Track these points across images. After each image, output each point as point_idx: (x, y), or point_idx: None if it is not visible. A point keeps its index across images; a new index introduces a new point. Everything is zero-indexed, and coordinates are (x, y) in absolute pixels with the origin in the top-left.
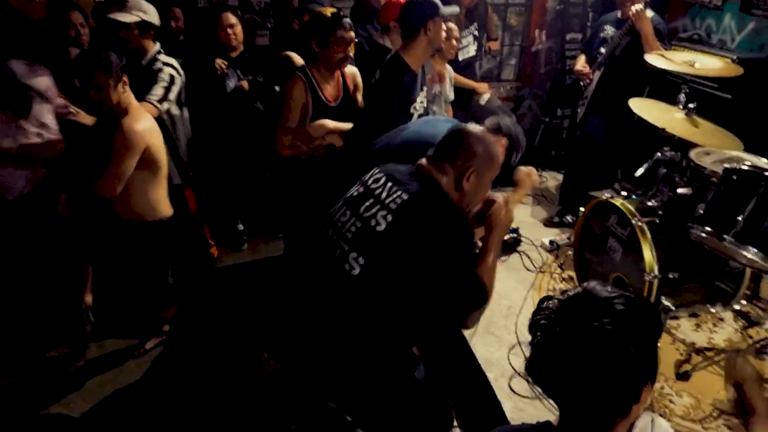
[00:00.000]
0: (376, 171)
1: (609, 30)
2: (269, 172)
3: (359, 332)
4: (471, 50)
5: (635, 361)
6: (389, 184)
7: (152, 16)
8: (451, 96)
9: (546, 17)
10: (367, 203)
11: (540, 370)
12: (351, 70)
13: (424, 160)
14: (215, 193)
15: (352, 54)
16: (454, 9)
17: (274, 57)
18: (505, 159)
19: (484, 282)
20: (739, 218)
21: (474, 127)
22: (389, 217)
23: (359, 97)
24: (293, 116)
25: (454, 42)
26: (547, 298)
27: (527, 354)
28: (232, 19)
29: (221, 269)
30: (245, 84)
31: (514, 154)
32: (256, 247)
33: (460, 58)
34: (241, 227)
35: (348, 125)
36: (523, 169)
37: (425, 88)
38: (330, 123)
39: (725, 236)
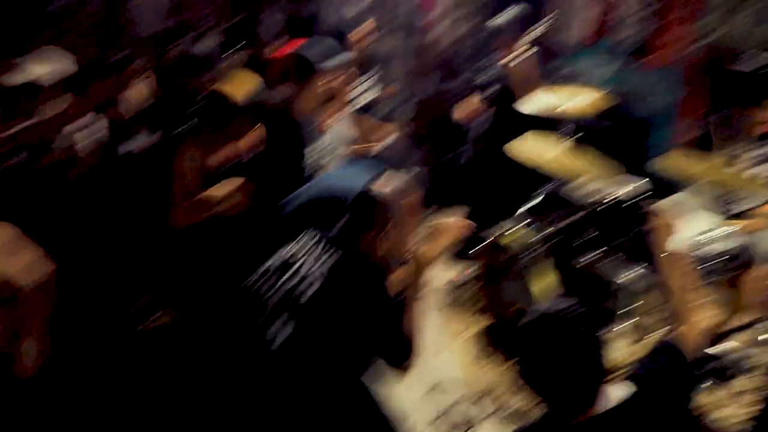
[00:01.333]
0: (303, 236)
1: (494, 71)
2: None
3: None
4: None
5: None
6: (316, 249)
7: None
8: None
9: (440, 60)
10: (294, 267)
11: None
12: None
13: (342, 223)
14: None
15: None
16: (344, 56)
17: None
18: None
19: (413, 337)
20: (624, 241)
21: (382, 186)
22: (317, 282)
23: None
24: (190, 183)
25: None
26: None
27: (449, 396)
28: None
29: None
30: None
31: None
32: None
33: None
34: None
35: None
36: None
37: (321, 137)
38: (228, 184)
39: (609, 259)
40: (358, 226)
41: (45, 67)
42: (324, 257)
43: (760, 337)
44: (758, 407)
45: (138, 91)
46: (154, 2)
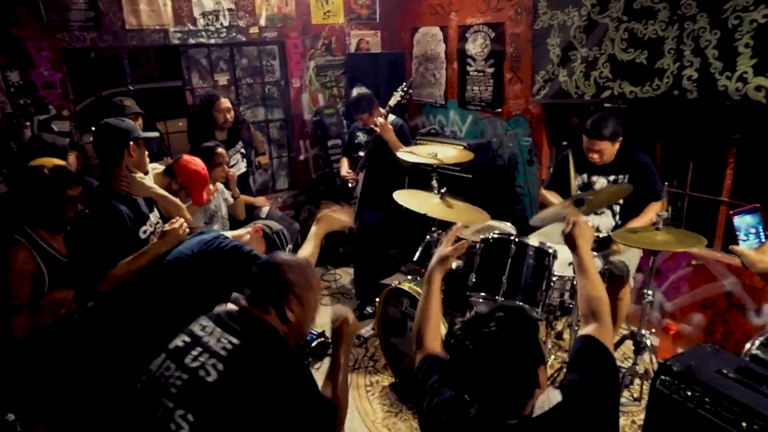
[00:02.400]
0: (203, 318)
1: (361, 136)
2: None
3: None
4: (241, 167)
5: (524, 348)
6: (218, 330)
7: None
8: (226, 213)
9: (306, 129)
10: (194, 352)
11: (459, 375)
12: None
13: (243, 301)
14: None
15: (84, 208)
16: (154, 134)
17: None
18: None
19: (339, 402)
20: (503, 279)
21: (280, 256)
22: (219, 366)
23: None
24: (23, 291)
25: (225, 167)
26: (452, 324)
27: None
28: None
29: None
30: None
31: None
32: None
33: None
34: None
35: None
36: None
37: (155, 210)
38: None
39: (496, 297)
40: (263, 294)
41: None
42: (224, 337)
43: (631, 350)
44: (642, 416)
45: None
46: None
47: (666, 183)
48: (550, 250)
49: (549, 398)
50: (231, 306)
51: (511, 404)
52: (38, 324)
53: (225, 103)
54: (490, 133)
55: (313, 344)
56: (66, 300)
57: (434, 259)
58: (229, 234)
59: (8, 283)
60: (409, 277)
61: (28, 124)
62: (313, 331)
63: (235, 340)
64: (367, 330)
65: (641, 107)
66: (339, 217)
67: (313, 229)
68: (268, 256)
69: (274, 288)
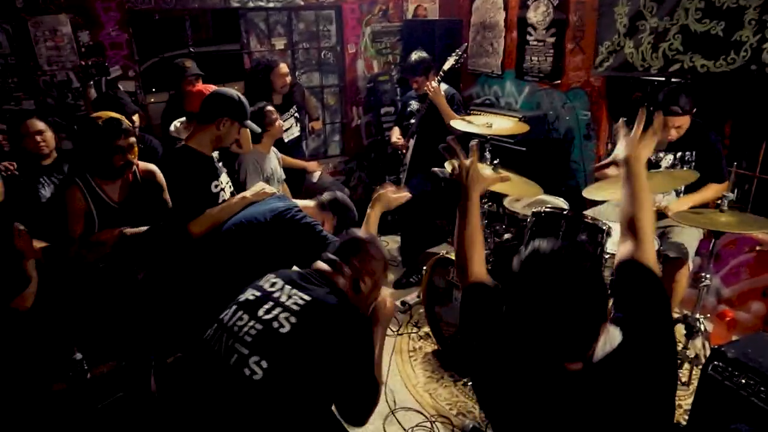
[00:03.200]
0: (271, 276)
1: (414, 104)
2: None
3: None
4: (294, 131)
5: (593, 281)
6: (288, 287)
7: None
8: (283, 175)
9: (359, 95)
10: (266, 306)
11: (521, 311)
12: (146, 167)
13: (320, 263)
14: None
15: (136, 159)
16: (255, 128)
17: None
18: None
19: (378, 378)
20: None
21: (367, 234)
22: (293, 319)
23: (166, 196)
24: (76, 226)
25: (279, 121)
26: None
27: (403, 423)
28: (40, 124)
29: None
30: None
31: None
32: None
33: (286, 140)
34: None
35: (142, 229)
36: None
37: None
38: (126, 230)
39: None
40: (344, 261)
41: None
42: (296, 294)
43: (684, 334)
44: (689, 401)
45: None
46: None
47: (735, 163)
48: (604, 227)
49: (610, 338)
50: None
51: (578, 344)
52: (85, 258)
53: (284, 68)
54: (546, 105)
55: None
56: (110, 240)
57: (467, 177)
58: (300, 204)
59: (65, 218)
60: None
61: (92, 83)
62: None
63: (307, 297)
64: (412, 297)
65: (712, 82)
66: (395, 197)
67: (370, 210)
68: (347, 233)
69: (359, 257)
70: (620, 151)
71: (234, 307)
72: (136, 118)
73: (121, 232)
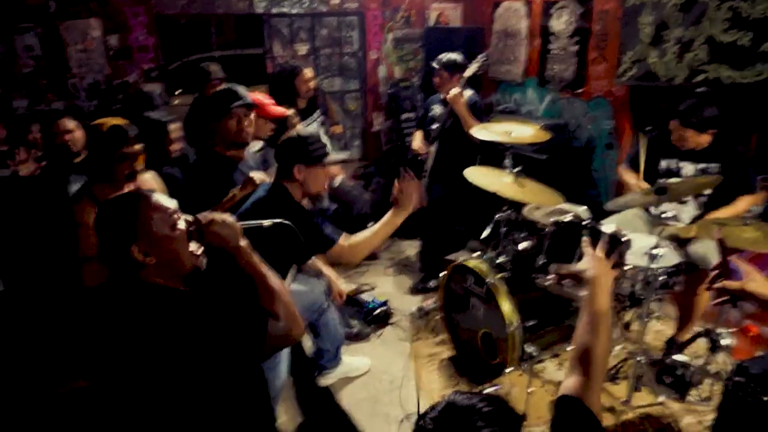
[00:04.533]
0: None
1: (437, 109)
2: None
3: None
4: None
5: None
6: None
7: None
8: None
9: (380, 101)
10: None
11: None
12: (145, 176)
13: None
14: None
15: (141, 167)
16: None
17: None
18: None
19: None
20: (572, 263)
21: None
22: None
23: None
24: (90, 243)
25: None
26: (421, 417)
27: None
28: (70, 124)
29: None
30: None
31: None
32: None
33: None
34: None
35: None
36: (399, 186)
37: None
38: None
39: (563, 281)
40: None
41: None
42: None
43: (707, 349)
44: (712, 417)
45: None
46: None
47: (762, 176)
48: (624, 239)
49: None
50: None
51: None
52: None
53: (308, 73)
54: (568, 114)
55: (376, 312)
56: None
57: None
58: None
59: (76, 237)
60: (474, 254)
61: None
62: (375, 300)
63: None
64: (428, 304)
65: (738, 93)
66: (413, 199)
67: (390, 213)
68: None
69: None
70: (584, 266)
71: None
72: (174, 127)
73: None
